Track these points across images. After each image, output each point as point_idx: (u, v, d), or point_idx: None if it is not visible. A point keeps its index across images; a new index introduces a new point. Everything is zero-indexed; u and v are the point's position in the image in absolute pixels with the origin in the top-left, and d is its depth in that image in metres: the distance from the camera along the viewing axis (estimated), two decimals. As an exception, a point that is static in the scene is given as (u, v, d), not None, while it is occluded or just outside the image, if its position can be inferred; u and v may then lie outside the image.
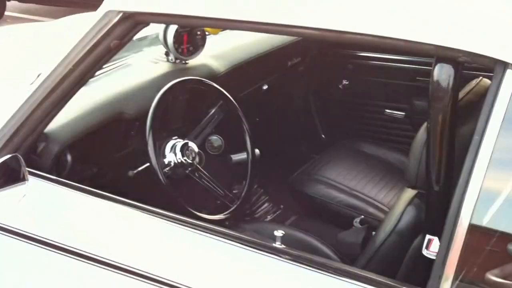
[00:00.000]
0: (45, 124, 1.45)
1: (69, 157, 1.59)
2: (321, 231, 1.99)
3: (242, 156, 1.89)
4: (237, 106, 1.84)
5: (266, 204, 2.24)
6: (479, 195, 0.99)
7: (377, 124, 2.61)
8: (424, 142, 1.30)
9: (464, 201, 1.00)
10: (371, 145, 2.45)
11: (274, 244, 1.24)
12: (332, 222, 2.09)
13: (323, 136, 2.67)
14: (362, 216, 1.99)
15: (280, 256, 1.15)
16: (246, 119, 1.89)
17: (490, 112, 1.00)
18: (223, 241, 1.20)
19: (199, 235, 1.23)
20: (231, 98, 1.83)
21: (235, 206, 1.77)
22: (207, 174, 1.78)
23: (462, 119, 1.31)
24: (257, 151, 1.94)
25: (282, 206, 2.26)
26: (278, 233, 1.28)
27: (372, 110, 2.62)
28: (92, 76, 1.45)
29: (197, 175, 1.75)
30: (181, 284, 1.19)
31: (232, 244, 1.19)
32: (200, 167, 1.76)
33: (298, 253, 1.16)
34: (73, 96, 1.44)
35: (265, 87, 2.31)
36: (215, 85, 1.81)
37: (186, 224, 1.25)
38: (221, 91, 1.82)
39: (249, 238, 1.20)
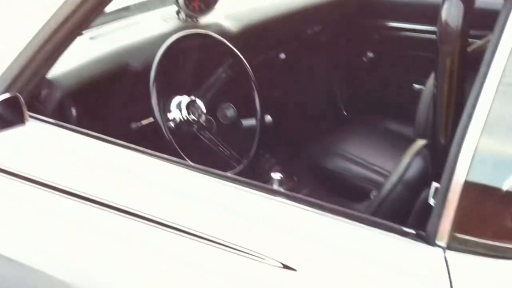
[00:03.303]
0: (47, 68, 1.55)
1: (73, 111, 1.69)
2: (335, 203, 2.04)
3: (253, 121, 1.95)
4: (247, 65, 1.91)
5: (278, 175, 2.30)
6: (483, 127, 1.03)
7: (403, 100, 2.64)
8: (431, 91, 1.35)
9: (466, 136, 1.05)
10: (394, 122, 2.49)
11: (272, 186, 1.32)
12: (348, 195, 2.14)
13: (344, 111, 2.71)
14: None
15: (278, 198, 1.23)
16: (260, 87, 1.95)
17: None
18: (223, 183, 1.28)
19: (197, 177, 1.32)
20: (241, 56, 1.90)
21: (241, 166, 1.84)
22: (213, 133, 1.85)
23: (472, 70, 1.35)
24: (268, 117, 2.00)
25: (295, 178, 2.32)
26: (276, 175, 1.35)
27: (399, 84, 2.65)
28: (95, 18, 1.54)
29: (202, 133, 1.83)
30: (180, 225, 1.27)
31: (233, 187, 1.27)
32: (206, 126, 1.83)
33: (300, 196, 1.23)
34: (75, 39, 1.54)
35: (282, 56, 2.37)
36: (224, 41, 1.87)
37: (186, 167, 1.34)
38: (231, 48, 1.89)
39: (248, 180, 1.28)
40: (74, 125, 1.58)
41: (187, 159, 1.71)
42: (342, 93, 2.70)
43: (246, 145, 1.97)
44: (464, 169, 1.05)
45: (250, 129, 1.99)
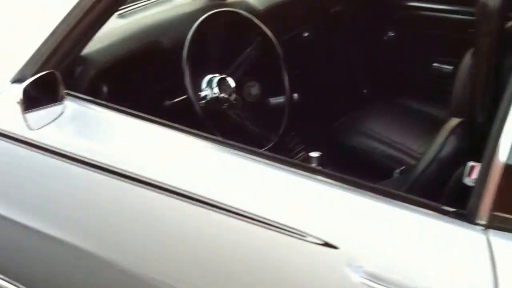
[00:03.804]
0: (81, 46, 1.56)
1: (105, 88, 1.69)
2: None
3: (281, 99, 1.96)
4: (277, 43, 1.91)
5: (302, 153, 2.31)
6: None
7: (423, 79, 2.64)
8: (469, 68, 1.35)
9: (508, 115, 1.05)
10: (415, 100, 2.48)
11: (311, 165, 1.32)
12: (370, 173, 2.15)
13: (364, 90, 2.71)
14: (404, 167, 2.04)
15: (318, 177, 1.24)
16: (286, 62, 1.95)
17: None
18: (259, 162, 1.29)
19: (234, 156, 1.33)
20: (270, 34, 1.90)
21: (271, 144, 1.85)
22: (243, 111, 1.86)
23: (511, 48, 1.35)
24: (295, 95, 2.01)
25: (319, 156, 2.33)
26: (315, 154, 1.35)
27: (419, 63, 2.64)
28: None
29: (232, 111, 1.83)
30: (218, 203, 1.28)
31: (271, 165, 1.28)
32: (236, 104, 1.84)
33: (337, 173, 1.23)
34: (110, 18, 1.53)
35: (305, 34, 2.37)
36: (254, 19, 1.88)
37: (221, 144, 1.35)
38: (260, 26, 1.89)
39: (286, 159, 1.29)
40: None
41: (218, 135, 1.71)
42: (363, 72, 2.70)
43: (273, 123, 1.97)
44: (506, 147, 1.05)
45: (277, 107, 1.99)
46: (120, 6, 1.53)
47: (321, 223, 1.19)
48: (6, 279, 1.90)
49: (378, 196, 1.17)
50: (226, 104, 1.83)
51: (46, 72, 1.45)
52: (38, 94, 1.44)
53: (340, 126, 2.31)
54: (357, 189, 1.19)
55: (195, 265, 1.36)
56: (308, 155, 1.39)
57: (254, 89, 1.94)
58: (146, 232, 1.43)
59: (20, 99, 1.40)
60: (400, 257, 1.12)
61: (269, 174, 1.28)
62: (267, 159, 1.29)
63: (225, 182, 1.32)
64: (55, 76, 1.45)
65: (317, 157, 1.38)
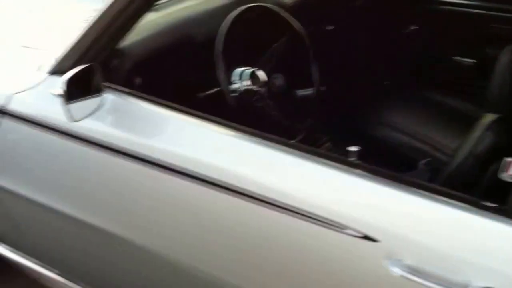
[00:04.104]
0: (119, 39, 1.58)
1: (138, 80, 1.71)
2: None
3: (308, 91, 1.97)
4: (306, 37, 1.92)
5: (327, 144, 2.32)
6: None
7: (444, 72, 2.65)
8: (507, 65, 1.35)
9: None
10: (437, 93, 2.50)
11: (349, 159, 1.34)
12: (395, 165, 2.16)
13: (386, 82, 2.72)
14: (429, 159, 2.06)
15: (354, 170, 1.25)
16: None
17: None
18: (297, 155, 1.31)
19: (273, 150, 1.34)
20: (300, 28, 1.91)
21: (301, 136, 1.87)
22: (273, 104, 1.87)
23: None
24: (323, 88, 2.02)
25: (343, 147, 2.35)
26: (353, 148, 1.37)
27: (440, 57, 2.65)
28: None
29: (263, 103, 1.85)
30: (258, 194, 1.30)
31: (308, 158, 1.30)
32: (266, 96, 1.85)
33: (375, 167, 1.25)
34: (146, 12, 1.55)
35: (329, 27, 2.38)
36: (285, 13, 1.89)
37: (256, 137, 1.37)
38: (290, 20, 1.90)
39: (324, 152, 1.30)
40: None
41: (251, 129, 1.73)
42: (385, 64, 2.70)
43: (300, 115, 1.99)
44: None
45: (304, 99, 2.00)
46: (158, 1, 1.54)
47: (361, 216, 1.21)
48: (47, 267, 1.94)
49: (417, 190, 1.19)
50: (257, 96, 1.84)
51: (87, 64, 1.46)
52: (79, 86, 1.46)
53: (363, 118, 2.33)
54: (396, 183, 1.21)
55: (235, 255, 1.39)
56: (347, 149, 1.41)
57: (278, 81, 1.95)
58: (181, 221, 1.46)
59: (63, 91, 1.41)
60: (440, 251, 1.14)
61: (306, 166, 1.30)
62: (305, 152, 1.31)
63: (260, 174, 1.34)
64: (95, 68, 1.47)
65: (356, 151, 1.40)
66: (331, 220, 1.22)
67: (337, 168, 1.27)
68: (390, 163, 2.17)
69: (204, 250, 1.45)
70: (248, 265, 1.39)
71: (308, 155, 1.30)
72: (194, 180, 1.38)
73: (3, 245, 2.06)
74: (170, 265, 1.52)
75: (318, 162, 1.28)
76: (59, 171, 1.62)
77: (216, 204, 1.39)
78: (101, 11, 1.54)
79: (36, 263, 2.00)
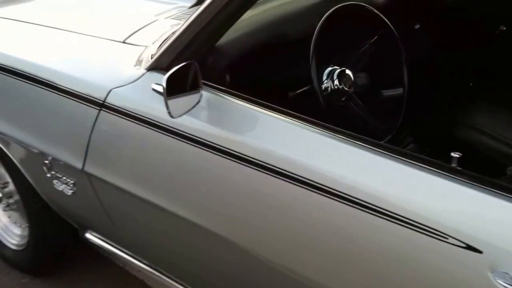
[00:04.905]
0: (218, 37, 1.58)
1: (231, 78, 1.71)
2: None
3: (397, 91, 1.93)
4: (398, 36, 1.89)
5: (411, 145, 2.28)
6: None
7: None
8: None
9: None
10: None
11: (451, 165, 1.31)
12: (481, 169, 2.10)
13: (471, 83, 2.64)
14: (518, 164, 1.99)
15: (457, 177, 1.22)
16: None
17: None
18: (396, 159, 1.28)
19: (366, 152, 1.32)
20: (392, 27, 1.88)
21: (389, 137, 1.84)
22: (361, 104, 1.85)
23: None
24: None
25: (427, 149, 2.30)
26: (455, 154, 1.33)
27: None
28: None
29: (351, 104, 1.83)
30: (353, 197, 1.29)
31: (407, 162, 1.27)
32: (355, 96, 1.83)
33: (479, 175, 1.21)
34: (246, 11, 1.55)
35: (417, 26, 2.33)
36: (377, 12, 1.86)
37: (348, 138, 1.36)
38: (382, 19, 1.87)
39: (424, 157, 1.27)
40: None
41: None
42: (471, 64, 2.63)
43: (387, 115, 1.95)
44: None
45: (391, 99, 1.96)
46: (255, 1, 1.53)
47: (464, 225, 1.18)
48: (136, 256, 1.98)
49: None
50: (345, 96, 1.82)
51: (187, 62, 1.48)
52: (178, 83, 1.47)
53: (448, 120, 2.27)
54: (501, 192, 1.17)
55: (326, 256, 1.38)
56: (450, 155, 1.37)
57: (362, 80, 1.93)
58: (270, 219, 1.46)
59: (164, 88, 1.43)
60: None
61: (407, 171, 1.27)
62: (401, 155, 1.29)
63: (353, 175, 1.32)
64: (195, 66, 1.48)
65: (458, 157, 1.36)
66: (433, 228, 1.19)
67: (437, 173, 1.24)
68: (475, 167, 2.13)
69: (295, 250, 1.44)
70: (338, 267, 1.37)
71: (403, 158, 1.27)
72: (285, 178, 1.38)
73: (93, 233, 2.12)
74: (258, 262, 1.52)
75: (416, 167, 1.26)
76: (153, 164, 1.65)
77: (306, 203, 1.38)
78: (201, 9, 1.55)
79: (124, 252, 2.05)
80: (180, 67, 1.47)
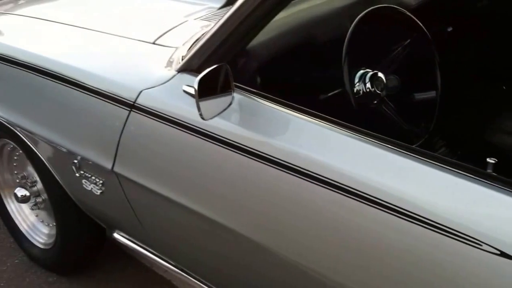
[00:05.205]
0: (249, 39, 1.58)
1: (258, 79, 1.71)
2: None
3: (429, 94, 1.91)
4: (431, 39, 1.87)
5: (442, 149, 2.26)
6: None
7: None
8: None
9: None
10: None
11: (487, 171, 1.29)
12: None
13: (504, 87, 2.61)
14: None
15: (493, 183, 1.20)
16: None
17: None
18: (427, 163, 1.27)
19: (399, 156, 1.31)
20: (426, 30, 1.86)
21: (421, 141, 1.82)
22: (393, 107, 1.83)
23: None
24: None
25: (459, 152, 2.27)
26: (491, 160, 1.32)
27: None
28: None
29: (383, 107, 1.81)
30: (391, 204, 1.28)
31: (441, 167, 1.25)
32: (387, 100, 1.81)
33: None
34: (279, 13, 1.54)
35: (449, 29, 2.31)
36: (411, 15, 1.84)
37: (382, 144, 1.35)
38: (416, 22, 1.85)
39: (460, 163, 1.26)
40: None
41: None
42: (504, 68, 2.59)
43: (419, 119, 1.94)
44: None
45: (422, 103, 1.94)
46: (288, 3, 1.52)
47: (499, 232, 1.16)
48: (163, 257, 1.99)
49: None
50: (377, 99, 1.80)
51: (219, 64, 1.47)
52: (209, 85, 1.47)
53: (481, 124, 2.24)
54: None
55: (358, 261, 1.37)
56: (486, 160, 1.36)
57: (393, 82, 1.91)
58: (302, 222, 1.45)
59: (195, 90, 1.43)
60: None
61: (441, 177, 1.26)
62: (435, 160, 1.27)
63: (388, 181, 1.31)
64: (226, 68, 1.48)
65: (493, 163, 1.34)
66: (465, 235, 1.17)
67: (469, 178, 1.23)
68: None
69: (324, 253, 1.43)
70: (371, 274, 1.36)
71: (438, 163, 1.26)
72: (316, 181, 1.37)
73: (121, 233, 2.14)
74: (290, 267, 1.51)
75: (449, 171, 1.25)
76: (183, 166, 1.65)
77: (338, 207, 1.37)
78: (232, 11, 1.55)
79: (151, 252, 2.06)
80: (212, 69, 1.46)
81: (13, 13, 2.51)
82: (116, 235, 2.17)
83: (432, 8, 2.16)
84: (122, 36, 2.00)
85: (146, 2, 2.44)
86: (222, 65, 1.48)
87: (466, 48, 2.45)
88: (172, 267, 2.03)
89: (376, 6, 1.77)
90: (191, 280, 1.97)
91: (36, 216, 2.58)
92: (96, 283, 2.50)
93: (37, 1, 2.70)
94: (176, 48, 1.82)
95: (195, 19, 2.11)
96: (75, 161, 1.93)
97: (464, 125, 2.24)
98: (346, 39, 1.67)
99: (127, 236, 2.12)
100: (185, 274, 1.99)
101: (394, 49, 1.88)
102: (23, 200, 2.43)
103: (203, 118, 1.47)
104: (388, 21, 1.82)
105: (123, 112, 1.71)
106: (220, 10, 2.17)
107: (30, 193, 2.43)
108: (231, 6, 2.12)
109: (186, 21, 2.08)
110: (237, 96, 1.54)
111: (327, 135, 1.43)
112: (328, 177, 1.36)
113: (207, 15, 2.14)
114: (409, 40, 1.87)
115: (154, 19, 2.19)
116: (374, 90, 1.79)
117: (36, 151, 2.12)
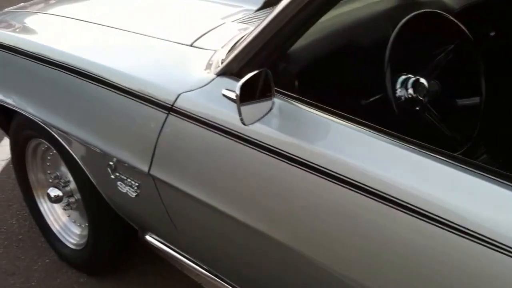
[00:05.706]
0: (291, 43, 1.56)
1: (298, 84, 1.70)
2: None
3: (473, 100, 1.89)
4: (475, 44, 1.84)
5: (484, 156, 2.22)
6: None
7: None
8: None
9: None
10: None
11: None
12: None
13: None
14: None
15: None
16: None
17: None
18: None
19: (441, 165, 1.29)
20: (469, 36, 1.83)
21: (464, 148, 1.79)
22: (435, 113, 1.80)
23: None
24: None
25: (500, 161, 2.24)
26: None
27: None
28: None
29: (425, 113, 1.79)
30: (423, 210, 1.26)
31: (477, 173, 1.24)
32: (429, 106, 1.79)
33: None
34: (322, 17, 1.52)
35: (492, 33, 2.27)
36: (455, 20, 1.82)
37: (424, 152, 1.33)
38: (460, 27, 1.83)
39: (507, 173, 1.23)
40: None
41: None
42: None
43: (461, 126, 1.91)
44: None
45: (466, 109, 1.92)
46: (333, 6, 1.50)
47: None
48: (195, 261, 1.99)
49: None
50: (419, 105, 1.78)
51: (261, 69, 1.46)
52: (250, 90, 1.46)
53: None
54: None
55: (390, 266, 1.35)
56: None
57: (434, 87, 1.88)
58: (338, 228, 1.43)
59: (237, 94, 1.42)
60: None
61: (485, 187, 1.24)
62: (484, 171, 1.25)
63: (430, 190, 1.29)
64: (268, 73, 1.47)
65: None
66: (506, 245, 1.15)
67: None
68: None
69: (362, 261, 1.41)
70: (407, 281, 1.34)
71: (483, 173, 1.24)
72: (356, 189, 1.36)
73: (154, 235, 2.14)
74: (323, 272, 1.50)
75: (494, 182, 1.22)
76: (220, 170, 1.65)
77: (378, 215, 1.35)
78: (273, 15, 1.53)
79: (183, 256, 2.06)
80: (254, 74, 1.45)
81: (47, 13, 2.53)
82: (148, 237, 2.17)
83: (474, 13, 2.13)
84: (159, 38, 2.00)
85: (182, 4, 2.44)
86: (263, 70, 1.47)
87: (509, 52, 2.41)
88: (204, 271, 2.02)
89: (420, 11, 1.75)
90: (223, 284, 1.96)
91: (68, 216, 2.59)
92: (127, 285, 2.51)
93: (68, 0, 2.71)
94: (215, 51, 1.81)
95: (232, 21, 2.10)
96: (111, 163, 1.94)
97: (506, 132, 2.20)
98: (389, 44, 1.66)
99: (159, 239, 2.12)
100: (217, 279, 1.98)
101: (437, 54, 1.85)
102: (56, 200, 2.45)
103: (244, 123, 1.46)
104: (432, 27, 1.80)
105: (161, 115, 1.71)
106: (257, 12, 2.16)
107: (63, 193, 2.45)
108: (268, 8, 2.13)
109: (223, 23, 2.07)
110: (278, 101, 1.52)
111: (368, 142, 1.41)
112: (369, 185, 1.34)
113: (244, 18, 2.12)
114: (452, 46, 1.84)
115: (191, 21, 2.19)
116: (417, 96, 1.77)
117: (70, 151, 2.13)
